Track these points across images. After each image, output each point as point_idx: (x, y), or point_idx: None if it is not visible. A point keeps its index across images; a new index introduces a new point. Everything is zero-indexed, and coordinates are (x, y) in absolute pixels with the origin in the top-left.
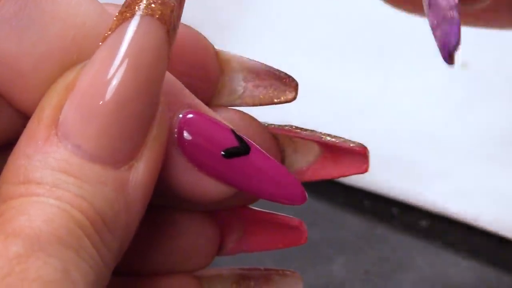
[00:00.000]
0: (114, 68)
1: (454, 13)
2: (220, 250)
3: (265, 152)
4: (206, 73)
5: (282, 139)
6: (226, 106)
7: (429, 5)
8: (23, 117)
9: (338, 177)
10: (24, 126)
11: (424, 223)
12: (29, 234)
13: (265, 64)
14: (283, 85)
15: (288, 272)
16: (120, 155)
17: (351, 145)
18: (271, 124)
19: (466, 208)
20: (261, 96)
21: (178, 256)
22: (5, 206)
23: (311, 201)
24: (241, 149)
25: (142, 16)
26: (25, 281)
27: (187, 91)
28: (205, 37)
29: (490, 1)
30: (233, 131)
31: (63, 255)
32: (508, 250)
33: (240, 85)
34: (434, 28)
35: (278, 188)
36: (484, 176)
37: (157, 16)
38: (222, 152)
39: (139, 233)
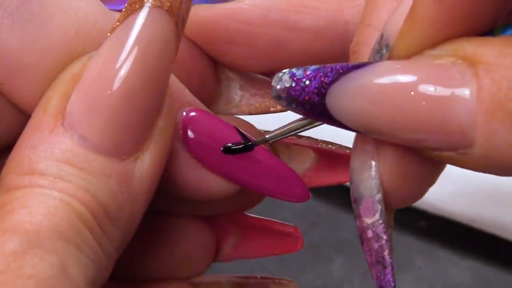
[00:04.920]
0: (122, 59)
1: (386, 257)
2: (216, 256)
3: (267, 149)
4: (203, 81)
5: (279, 146)
6: (223, 114)
7: (361, 240)
8: (23, 119)
9: (334, 184)
10: (23, 128)
11: (423, 223)
12: (28, 229)
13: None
14: None
15: (284, 281)
16: (126, 147)
17: (347, 151)
18: (267, 131)
19: (465, 209)
20: (258, 105)
21: (175, 262)
22: (8, 197)
23: (311, 201)
24: (245, 144)
25: (150, 8)
26: (20, 278)
27: (187, 90)
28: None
29: None
30: (236, 128)
31: (62, 250)
32: (506, 250)
33: (237, 93)
34: (370, 266)
35: (280, 184)
36: (482, 178)
37: (166, 8)
38: (227, 146)
39: (136, 239)
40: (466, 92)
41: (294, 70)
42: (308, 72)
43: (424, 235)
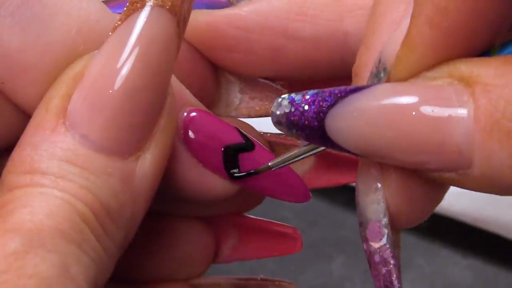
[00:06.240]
0: (123, 58)
1: (394, 281)
2: (215, 257)
3: (268, 150)
4: (202, 84)
5: (278, 147)
6: (223, 116)
7: (369, 264)
8: (24, 119)
9: (333, 186)
10: (24, 128)
11: (423, 222)
12: (30, 228)
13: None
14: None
15: (284, 283)
16: (127, 146)
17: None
18: (267, 133)
19: (466, 208)
20: (257, 108)
21: (175, 263)
22: (9, 196)
23: (312, 201)
24: (246, 145)
25: (152, 7)
26: (21, 278)
27: (188, 91)
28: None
29: None
30: (237, 129)
31: (64, 250)
32: (506, 248)
33: (237, 96)
34: None
35: (281, 185)
36: None
37: (167, 7)
38: (228, 147)
39: (136, 240)
40: (463, 112)
41: (293, 95)
42: (307, 97)
43: (425, 234)
